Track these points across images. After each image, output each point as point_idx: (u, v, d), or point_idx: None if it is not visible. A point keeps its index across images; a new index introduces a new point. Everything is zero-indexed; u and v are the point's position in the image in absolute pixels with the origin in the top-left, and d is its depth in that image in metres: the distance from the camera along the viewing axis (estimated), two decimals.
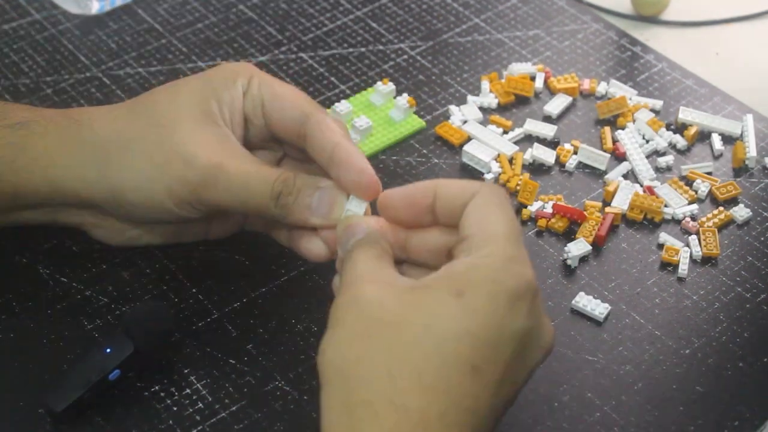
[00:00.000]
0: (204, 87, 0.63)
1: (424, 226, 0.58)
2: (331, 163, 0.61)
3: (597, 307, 0.66)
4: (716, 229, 0.71)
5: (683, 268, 0.69)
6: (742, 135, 0.78)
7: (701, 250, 0.70)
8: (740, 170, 0.76)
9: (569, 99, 0.80)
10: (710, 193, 0.74)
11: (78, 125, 0.63)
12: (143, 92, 0.81)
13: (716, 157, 0.77)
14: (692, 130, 0.77)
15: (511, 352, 0.51)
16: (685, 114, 0.79)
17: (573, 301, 0.66)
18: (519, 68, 0.83)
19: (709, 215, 0.72)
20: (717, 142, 0.77)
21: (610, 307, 0.66)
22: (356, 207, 0.60)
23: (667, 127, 0.78)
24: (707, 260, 0.70)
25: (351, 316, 0.52)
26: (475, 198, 0.55)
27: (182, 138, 0.60)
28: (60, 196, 0.63)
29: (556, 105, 0.80)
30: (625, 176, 0.75)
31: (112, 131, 0.62)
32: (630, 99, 0.80)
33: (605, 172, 0.75)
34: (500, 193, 0.56)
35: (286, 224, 0.63)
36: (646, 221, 0.72)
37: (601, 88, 0.82)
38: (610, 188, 0.73)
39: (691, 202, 0.73)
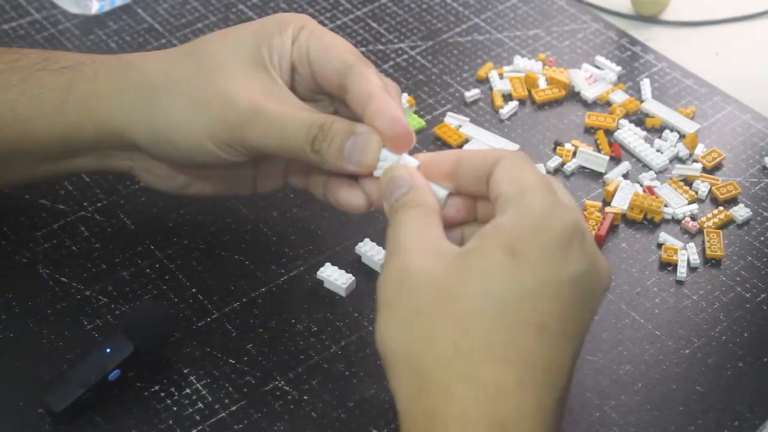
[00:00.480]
0: (255, 33, 0.62)
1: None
2: (366, 114, 0.59)
3: None
4: (720, 231, 0.71)
5: (682, 271, 0.68)
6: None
7: (705, 250, 0.70)
8: (733, 168, 0.76)
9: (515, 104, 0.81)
10: (710, 193, 0.74)
11: (128, 66, 0.62)
12: None
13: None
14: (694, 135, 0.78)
15: (573, 300, 0.50)
16: (651, 105, 0.80)
17: None
18: (523, 64, 0.83)
19: (709, 215, 0.72)
20: (670, 136, 0.78)
21: None
22: (393, 157, 0.58)
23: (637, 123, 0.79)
24: (710, 261, 0.70)
25: (404, 293, 0.51)
26: (501, 161, 0.54)
27: (226, 80, 0.60)
28: (106, 138, 0.63)
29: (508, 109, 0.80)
30: (625, 176, 0.75)
31: (160, 72, 0.61)
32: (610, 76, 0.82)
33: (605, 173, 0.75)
34: (525, 155, 0.55)
35: (324, 171, 0.61)
36: (646, 221, 0.72)
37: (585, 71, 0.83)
38: (610, 188, 0.73)
39: (691, 202, 0.73)
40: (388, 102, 0.58)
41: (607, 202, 0.73)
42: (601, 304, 0.52)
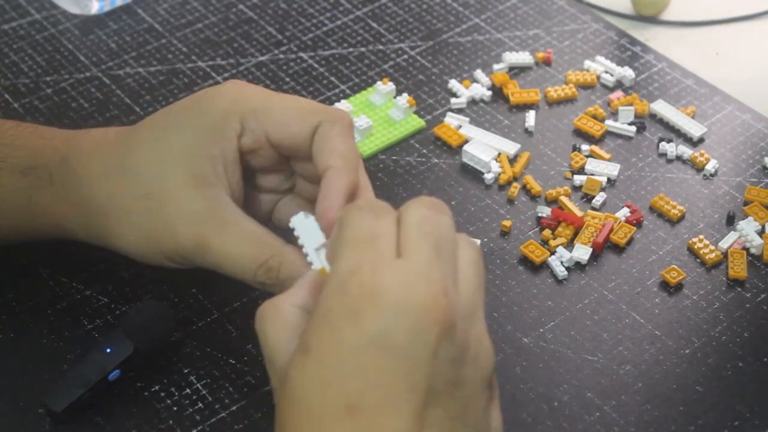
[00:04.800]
0: (193, 144, 0.60)
1: None
2: (321, 184, 0.58)
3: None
4: (744, 252, 0.70)
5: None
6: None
7: (728, 270, 0.69)
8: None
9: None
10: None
11: (78, 183, 0.62)
12: (142, 92, 0.81)
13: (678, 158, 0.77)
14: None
15: (382, 364, 0.47)
16: (659, 106, 0.80)
17: None
18: (513, 58, 0.83)
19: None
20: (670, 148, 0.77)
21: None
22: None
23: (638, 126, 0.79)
24: (734, 282, 0.69)
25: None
26: (335, 226, 0.51)
27: (171, 213, 0.59)
28: (74, 238, 0.64)
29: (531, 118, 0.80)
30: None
31: (105, 195, 0.61)
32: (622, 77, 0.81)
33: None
34: (362, 204, 0.52)
35: None
36: (647, 221, 0.72)
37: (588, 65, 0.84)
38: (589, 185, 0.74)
39: (679, 219, 0.73)
40: (334, 186, 0.57)
41: (586, 194, 0.74)
42: (437, 342, 0.46)
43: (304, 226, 0.56)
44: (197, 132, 0.60)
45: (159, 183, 0.59)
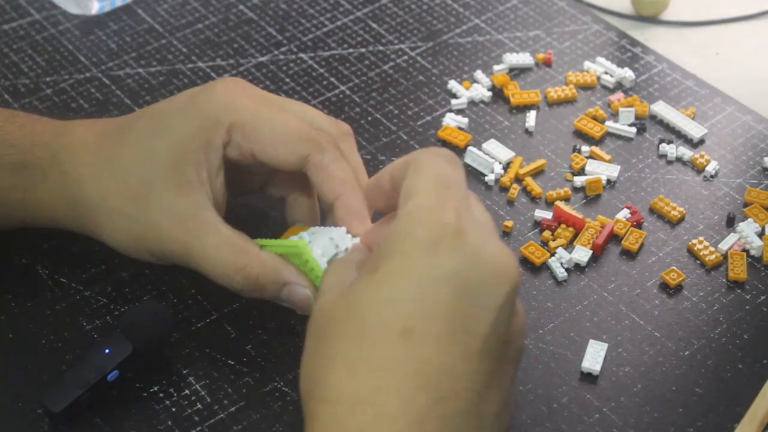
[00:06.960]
0: (180, 150, 0.61)
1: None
2: (335, 214, 0.61)
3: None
4: (744, 254, 0.69)
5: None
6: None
7: (728, 272, 0.69)
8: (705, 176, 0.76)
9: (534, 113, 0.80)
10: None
11: (69, 182, 0.64)
12: (142, 92, 0.81)
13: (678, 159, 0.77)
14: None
15: (449, 299, 0.48)
16: (659, 108, 0.79)
17: None
18: (514, 59, 0.83)
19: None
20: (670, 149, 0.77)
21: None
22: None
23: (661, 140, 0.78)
24: (734, 284, 0.69)
25: (309, 330, 0.53)
26: (409, 166, 0.53)
27: (155, 216, 0.62)
28: (65, 230, 0.67)
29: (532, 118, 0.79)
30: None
31: (98, 196, 0.63)
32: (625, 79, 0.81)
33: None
34: (437, 152, 0.53)
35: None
36: (647, 222, 0.72)
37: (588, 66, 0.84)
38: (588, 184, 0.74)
39: (679, 220, 0.73)
40: (353, 207, 0.60)
41: (587, 196, 0.73)
42: (507, 298, 0.50)
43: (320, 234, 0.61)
44: (185, 138, 0.62)
45: (146, 187, 0.62)
